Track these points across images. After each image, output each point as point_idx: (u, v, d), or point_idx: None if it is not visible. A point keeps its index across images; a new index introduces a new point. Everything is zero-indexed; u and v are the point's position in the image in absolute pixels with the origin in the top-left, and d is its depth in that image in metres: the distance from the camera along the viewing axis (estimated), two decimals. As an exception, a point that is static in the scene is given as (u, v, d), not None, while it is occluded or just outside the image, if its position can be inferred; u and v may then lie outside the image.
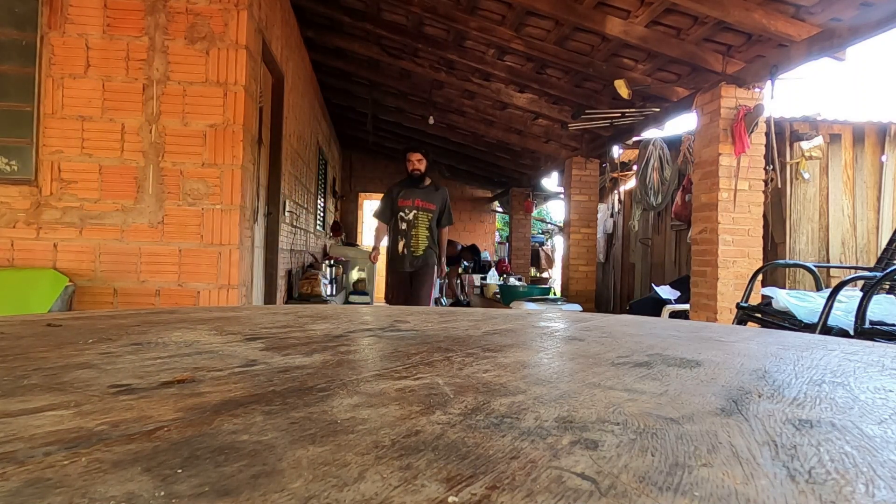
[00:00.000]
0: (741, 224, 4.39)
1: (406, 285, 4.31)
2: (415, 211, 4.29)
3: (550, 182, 9.56)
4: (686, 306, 5.00)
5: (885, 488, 0.28)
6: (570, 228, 7.51)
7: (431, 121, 7.93)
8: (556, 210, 14.73)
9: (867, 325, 2.41)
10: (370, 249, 4.64)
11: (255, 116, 3.90)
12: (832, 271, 4.96)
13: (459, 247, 10.70)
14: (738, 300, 3.64)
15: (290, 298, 5.59)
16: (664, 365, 0.59)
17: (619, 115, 5.76)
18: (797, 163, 5.07)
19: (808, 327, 2.66)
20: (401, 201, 4.32)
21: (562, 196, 8.82)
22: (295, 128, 5.65)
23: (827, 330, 2.54)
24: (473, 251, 10.64)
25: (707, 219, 4.50)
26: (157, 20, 3.38)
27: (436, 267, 4.36)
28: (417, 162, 4.33)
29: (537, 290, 7.29)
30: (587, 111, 5.85)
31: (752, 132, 4.26)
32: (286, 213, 5.25)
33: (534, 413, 0.40)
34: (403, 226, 4.29)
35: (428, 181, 4.38)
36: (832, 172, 5.42)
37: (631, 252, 8.26)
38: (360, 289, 9.10)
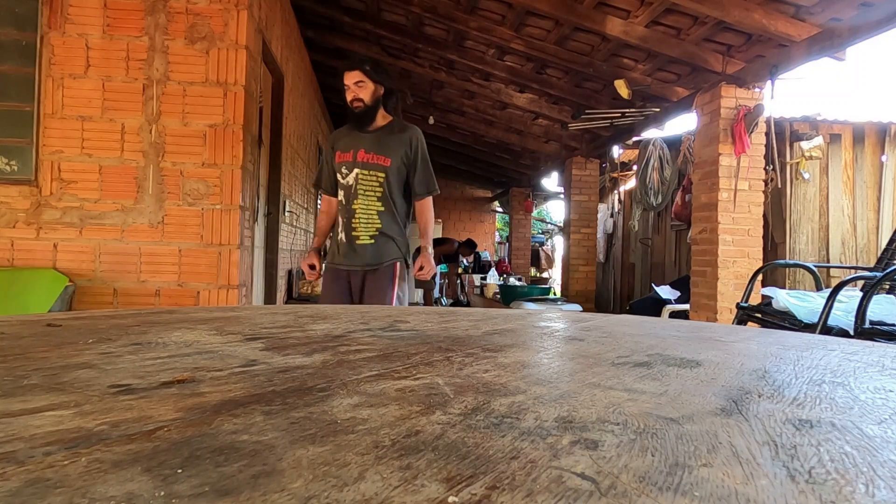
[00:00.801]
0: (741, 224, 4.39)
1: (347, 293, 2.57)
2: (356, 170, 2.50)
3: (550, 182, 9.56)
4: (686, 306, 5.01)
5: (885, 488, 0.28)
6: (570, 228, 7.52)
7: (431, 121, 7.94)
8: (556, 210, 14.73)
9: (867, 325, 2.41)
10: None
11: (255, 116, 3.90)
12: (832, 271, 4.96)
13: (457, 244, 10.06)
14: (738, 300, 3.64)
15: (290, 298, 5.60)
16: (664, 365, 0.59)
17: (619, 115, 5.77)
18: (797, 163, 5.07)
19: (808, 327, 2.66)
20: (338, 156, 2.57)
21: (562, 196, 8.83)
22: (295, 128, 5.66)
23: (827, 330, 2.54)
24: (470, 245, 9.89)
25: (707, 219, 4.50)
26: (157, 20, 3.38)
27: (402, 265, 2.57)
28: (357, 87, 2.48)
29: (537, 290, 7.29)
30: (587, 111, 5.85)
31: (752, 132, 4.26)
32: (286, 213, 5.25)
33: (534, 413, 0.40)
34: (341, 196, 2.56)
35: (383, 119, 2.57)
36: (832, 172, 5.43)
37: (631, 252, 8.26)
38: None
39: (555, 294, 8.32)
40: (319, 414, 0.38)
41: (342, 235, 2.56)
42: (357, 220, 2.53)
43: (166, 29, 3.39)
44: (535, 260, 11.87)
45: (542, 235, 13.11)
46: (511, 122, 7.56)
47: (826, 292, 2.74)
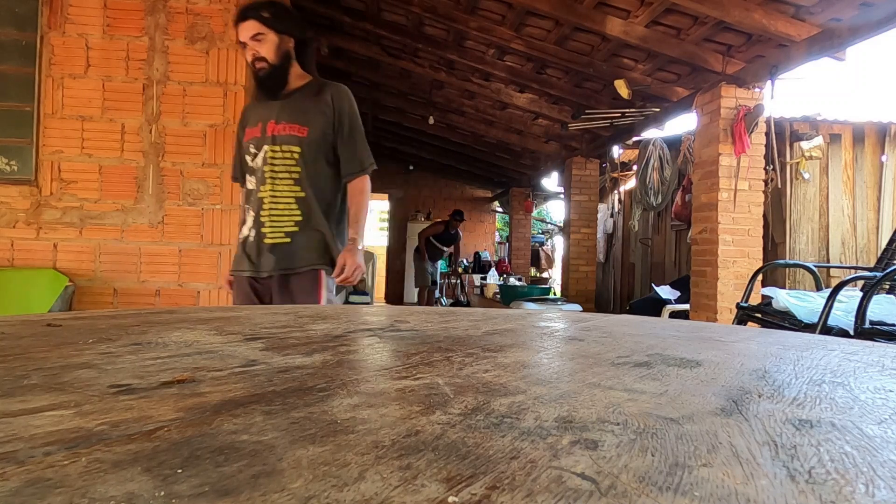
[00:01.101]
0: (741, 224, 4.39)
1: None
2: (266, 147, 1.95)
3: (550, 182, 9.56)
4: (686, 306, 5.01)
5: (885, 488, 0.28)
6: (570, 228, 7.52)
7: (431, 121, 7.95)
8: (556, 210, 14.74)
9: (867, 325, 2.41)
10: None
11: (255, 116, 3.90)
12: (832, 271, 4.96)
13: (444, 223, 8.77)
14: (738, 300, 3.64)
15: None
16: (664, 365, 0.59)
17: (619, 115, 5.77)
18: (797, 163, 5.07)
19: (808, 327, 2.67)
20: (247, 133, 2.03)
21: (562, 196, 8.82)
22: (295, 128, 5.65)
23: (827, 330, 2.54)
24: (458, 216, 8.72)
25: (707, 219, 4.50)
26: (157, 20, 3.38)
27: (323, 270, 1.95)
28: (255, 42, 1.90)
29: (537, 290, 7.30)
30: (587, 111, 5.85)
31: (752, 132, 4.26)
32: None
33: (534, 413, 0.40)
34: (250, 183, 2.01)
35: (299, 79, 2.01)
36: (832, 172, 5.43)
37: (631, 252, 8.26)
38: (360, 289, 9.09)
39: (555, 294, 8.31)
40: (319, 414, 0.38)
41: (250, 233, 1.97)
42: (267, 213, 1.94)
43: (166, 29, 3.39)
44: (535, 260, 11.87)
45: (542, 235, 13.11)
46: (511, 122, 7.56)
47: (826, 292, 2.74)
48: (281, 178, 1.95)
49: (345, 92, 2.02)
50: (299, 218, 1.94)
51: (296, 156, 1.94)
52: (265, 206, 1.95)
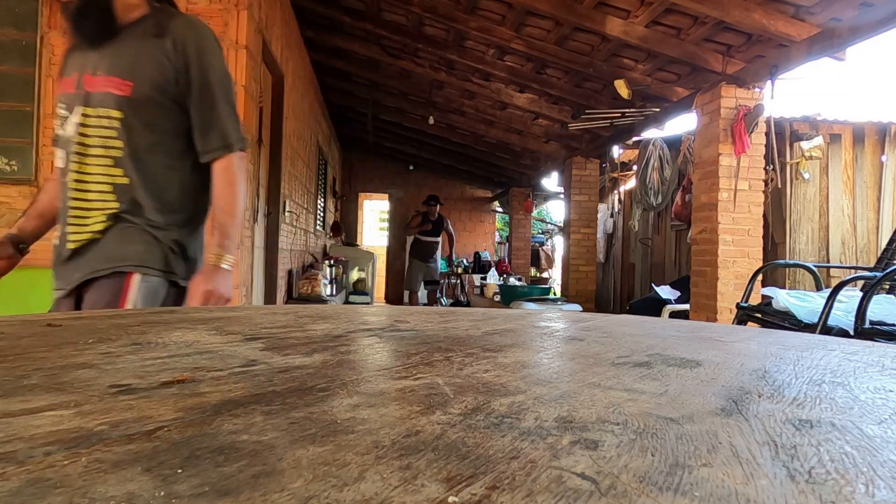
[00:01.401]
0: (741, 224, 4.39)
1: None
2: (79, 109, 1.32)
3: (550, 182, 9.56)
4: (686, 306, 5.01)
5: (885, 488, 0.28)
6: (570, 228, 7.52)
7: (431, 121, 7.95)
8: (556, 210, 14.74)
9: (867, 325, 2.41)
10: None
11: (255, 116, 3.90)
12: (832, 271, 4.96)
13: (422, 213, 8.24)
14: (738, 300, 3.64)
15: (290, 298, 5.60)
16: (664, 365, 0.59)
17: (619, 115, 5.77)
18: (797, 163, 5.07)
19: (808, 327, 2.67)
20: (62, 84, 1.38)
21: (562, 196, 8.82)
22: (295, 128, 5.66)
23: (827, 330, 2.54)
24: (434, 200, 8.29)
25: (707, 219, 4.50)
26: (157, 20, 3.38)
27: (136, 275, 1.31)
28: None
29: (537, 290, 7.30)
30: (587, 111, 5.85)
31: (752, 132, 4.26)
32: (286, 213, 5.25)
33: (534, 413, 0.40)
34: (61, 161, 1.36)
35: (132, 11, 1.34)
36: (832, 172, 5.43)
37: (631, 252, 8.26)
38: (360, 289, 9.12)
39: (555, 294, 8.31)
40: (319, 414, 0.38)
41: (62, 229, 1.40)
42: (73, 205, 1.36)
43: (166, 29, 3.38)
44: (535, 260, 11.87)
45: (542, 235, 13.11)
46: (511, 122, 7.56)
47: (826, 292, 2.74)
48: (94, 156, 1.33)
49: (199, 30, 1.36)
50: (115, 209, 1.34)
51: (115, 123, 1.32)
52: (70, 195, 1.35)
